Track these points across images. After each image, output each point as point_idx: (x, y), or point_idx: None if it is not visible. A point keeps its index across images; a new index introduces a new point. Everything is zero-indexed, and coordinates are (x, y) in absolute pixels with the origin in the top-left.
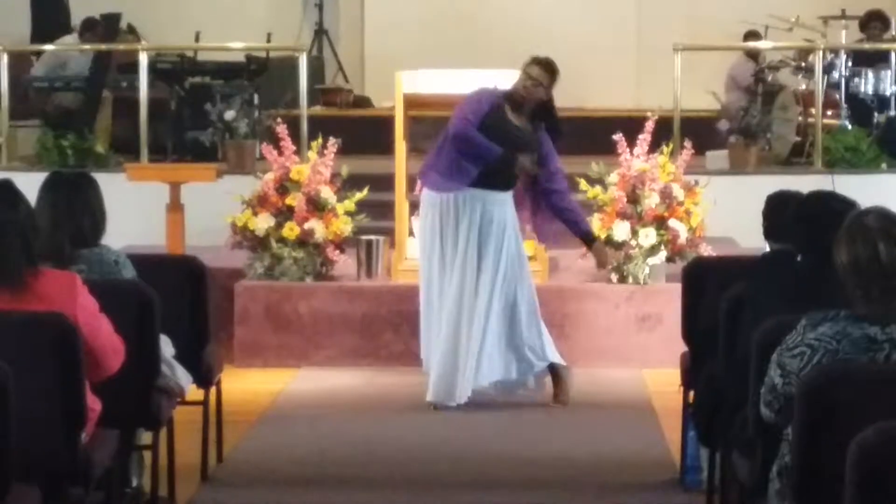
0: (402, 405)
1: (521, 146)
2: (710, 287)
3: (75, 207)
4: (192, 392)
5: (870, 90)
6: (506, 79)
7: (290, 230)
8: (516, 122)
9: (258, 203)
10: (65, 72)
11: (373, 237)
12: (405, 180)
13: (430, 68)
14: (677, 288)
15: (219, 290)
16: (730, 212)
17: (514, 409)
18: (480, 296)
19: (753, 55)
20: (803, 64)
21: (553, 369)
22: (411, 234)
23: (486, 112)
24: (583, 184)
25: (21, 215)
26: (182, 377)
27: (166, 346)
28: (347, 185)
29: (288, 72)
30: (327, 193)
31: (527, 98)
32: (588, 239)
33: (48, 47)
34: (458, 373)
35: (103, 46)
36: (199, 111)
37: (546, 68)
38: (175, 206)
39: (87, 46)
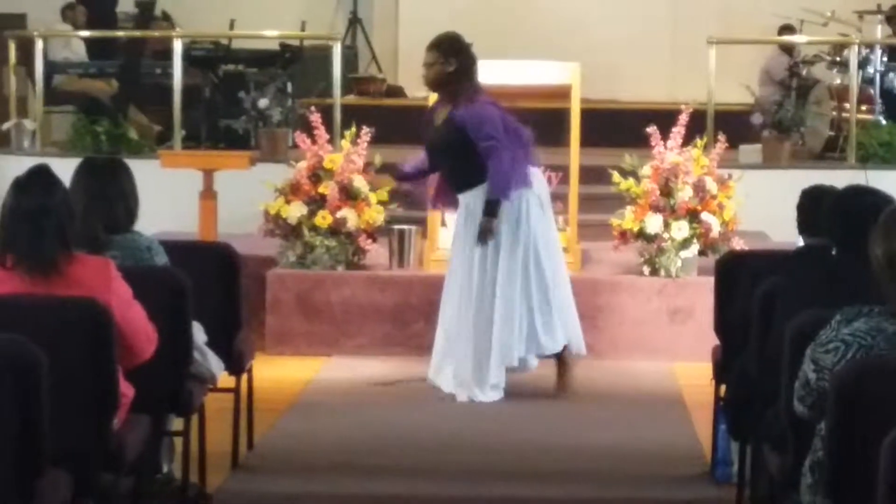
0: (433, 395)
1: (431, 140)
2: (742, 281)
3: (109, 193)
4: (224, 379)
5: None
6: (539, 70)
7: (323, 219)
8: (443, 115)
9: (291, 191)
10: (74, 57)
11: (405, 227)
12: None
13: None
14: (709, 281)
15: (251, 277)
16: (762, 206)
17: (544, 400)
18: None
19: (788, 49)
20: (838, 58)
21: (559, 357)
22: (443, 224)
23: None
24: (616, 176)
25: (57, 201)
26: (214, 364)
27: (198, 333)
28: (380, 174)
29: (322, 61)
30: (360, 182)
31: (430, 84)
32: (487, 210)
33: (83, 34)
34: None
35: (137, 33)
36: (233, 99)
37: (427, 49)
38: (208, 194)
39: (121, 33)
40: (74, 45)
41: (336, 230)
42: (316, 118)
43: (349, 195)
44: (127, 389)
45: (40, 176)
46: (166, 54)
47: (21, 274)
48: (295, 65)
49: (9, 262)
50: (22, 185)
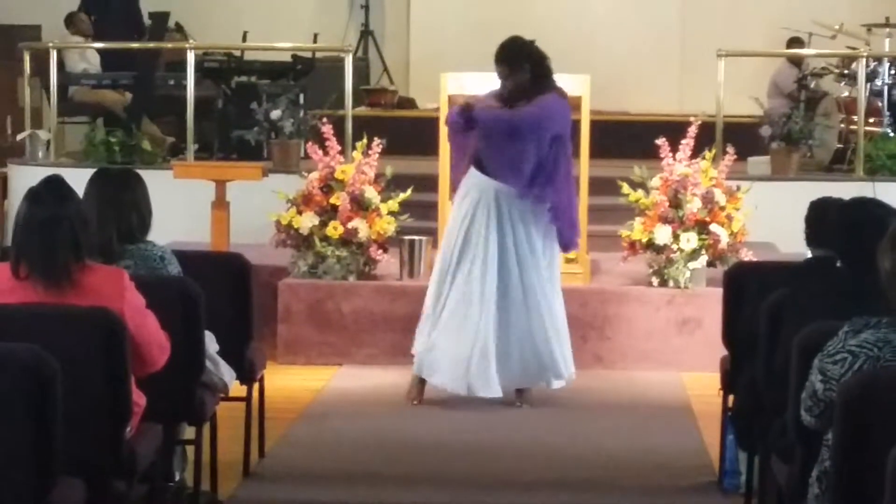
0: (443, 404)
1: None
2: (751, 292)
3: (123, 203)
4: (235, 388)
5: None
6: None
7: (334, 229)
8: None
9: (303, 202)
10: (90, 68)
11: (416, 237)
12: (448, 181)
13: (475, 71)
14: (718, 292)
15: (262, 287)
16: (771, 217)
17: (553, 409)
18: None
19: (797, 62)
20: (846, 71)
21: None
22: None
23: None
24: (625, 187)
25: (70, 211)
26: (226, 373)
27: (210, 343)
28: (391, 185)
29: (333, 72)
30: (371, 193)
31: (513, 95)
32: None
33: (97, 45)
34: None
35: (151, 45)
36: (246, 110)
37: (495, 61)
38: (220, 204)
39: (135, 45)
40: (90, 56)
41: (347, 240)
42: (328, 129)
43: (360, 206)
44: (139, 398)
45: (54, 186)
46: (180, 66)
47: (34, 284)
48: (307, 76)
49: (22, 273)
50: (35, 196)
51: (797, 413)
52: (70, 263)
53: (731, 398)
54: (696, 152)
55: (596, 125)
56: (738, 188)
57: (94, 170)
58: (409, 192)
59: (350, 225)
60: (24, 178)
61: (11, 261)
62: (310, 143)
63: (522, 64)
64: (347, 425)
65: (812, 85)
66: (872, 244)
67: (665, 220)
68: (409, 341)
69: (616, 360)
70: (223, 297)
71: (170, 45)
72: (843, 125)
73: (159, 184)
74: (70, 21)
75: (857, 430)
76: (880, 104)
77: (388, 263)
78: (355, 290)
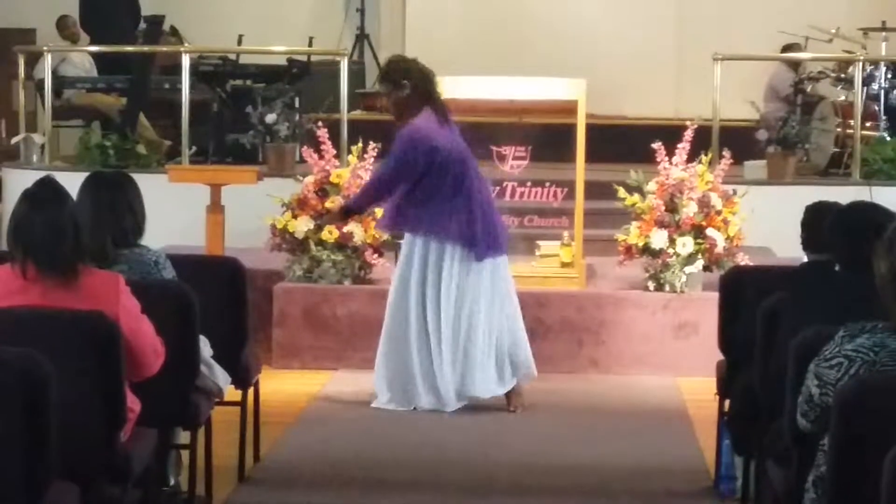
0: (437, 409)
1: None
2: (747, 296)
3: (117, 207)
4: (230, 392)
5: None
6: (546, 85)
7: (330, 233)
8: None
9: (298, 206)
10: (75, 72)
11: None
12: None
13: (471, 75)
14: (714, 297)
15: (258, 291)
16: (767, 221)
17: (547, 414)
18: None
19: (793, 66)
20: (843, 75)
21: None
22: None
23: None
24: (621, 191)
25: (71, 211)
26: (220, 377)
27: (205, 347)
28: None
29: (329, 76)
30: None
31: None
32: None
33: (92, 48)
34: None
35: (146, 48)
36: (241, 114)
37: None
38: (215, 208)
39: (130, 49)
40: (77, 61)
41: (342, 245)
42: (323, 133)
43: None
44: (134, 403)
45: (52, 186)
46: (174, 69)
47: (37, 285)
48: (302, 80)
49: (29, 273)
50: (34, 197)
51: (793, 418)
52: (76, 262)
53: (727, 403)
54: (693, 156)
55: (592, 129)
56: (735, 192)
57: (88, 174)
58: None
59: (345, 229)
60: (18, 181)
61: (17, 261)
62: (305, 147)
63: (403, 81)
64: (342, 430)
65: (808, 89)
66: (868, 248)
67: (661, 224)
68: None
69: (612, 364)
70: (218, 302)
71: (165, 49)
72: (839, 129)
73: (154, 187)
74: (58, 25)
75: (853, 435)
76: (877, 108)
77: (383, 268)
78: (351, 295)
